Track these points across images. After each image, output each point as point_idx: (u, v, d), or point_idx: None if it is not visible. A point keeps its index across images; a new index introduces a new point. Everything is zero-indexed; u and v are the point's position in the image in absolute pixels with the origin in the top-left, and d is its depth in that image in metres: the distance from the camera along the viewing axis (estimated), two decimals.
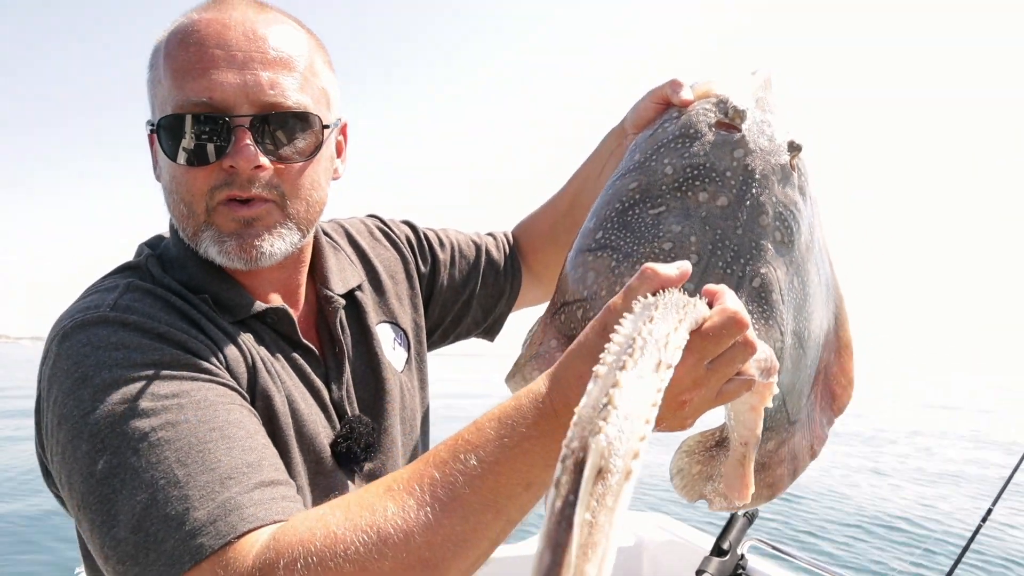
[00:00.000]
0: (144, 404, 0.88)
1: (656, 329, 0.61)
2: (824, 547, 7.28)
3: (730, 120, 1.06)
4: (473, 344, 1.63)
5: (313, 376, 1.15)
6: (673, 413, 0.78)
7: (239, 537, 0.81)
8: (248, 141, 1.00)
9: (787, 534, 7.54)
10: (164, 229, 1.20)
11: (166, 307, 1.02)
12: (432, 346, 1.47)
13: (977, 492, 10.58)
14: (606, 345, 0.59)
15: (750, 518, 2.65)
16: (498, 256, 1.55)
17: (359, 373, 1.23)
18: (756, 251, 1.02)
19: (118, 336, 0.94)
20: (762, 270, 1.01)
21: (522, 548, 2.90)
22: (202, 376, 0.95)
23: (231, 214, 1.04)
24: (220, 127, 1.00)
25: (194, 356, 0.97)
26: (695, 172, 1.04)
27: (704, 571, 2.53)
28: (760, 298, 1.00)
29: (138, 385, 0.90)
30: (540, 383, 0.78)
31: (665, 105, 1.17)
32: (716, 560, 2.55)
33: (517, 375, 1.10)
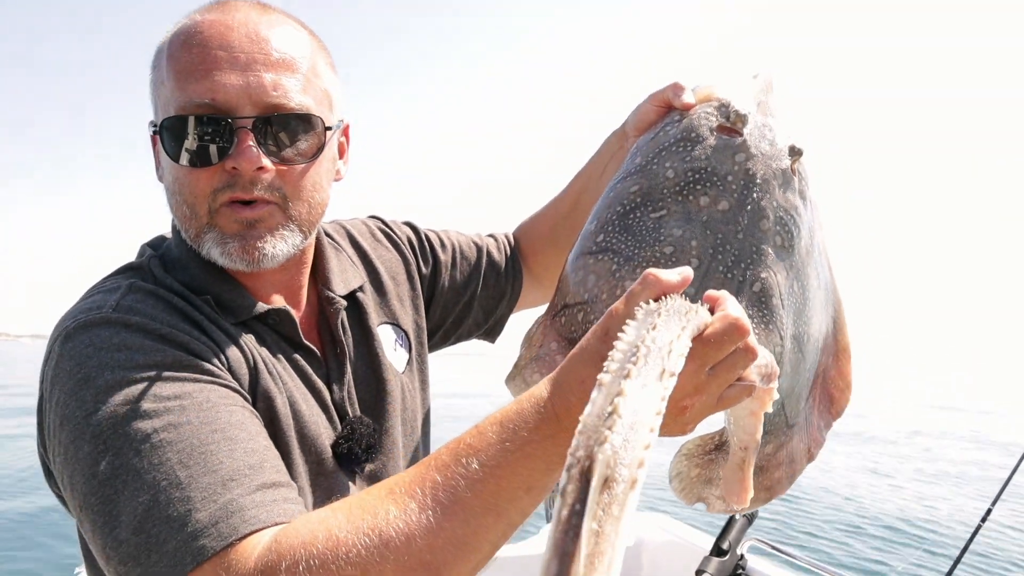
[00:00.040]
0: (146, 405, 0.89)
1: (659, 336, 0.61)
2: (824, 547, 7.29)
3: (732, 124, 1.06)
4: (472, 344, 1.64)
5: (314, 377, 1.15)
6: (674, 418, 0.78)
7: (241, 539, 0.81)
8: (251, 142, 1.00)
9: (787, 534, 7.55)
10: (165, 228, 1.20)
11: (168, 308, 1.03)
12: (433, 347, 1.48)
13: (977, 492, 10.58)
14: (610, 352, 0.60)
15: (750, 518, 2.66)
16: (499, 258, 1.55)
17: (360, 374, 1.24)
18: (757, 255, 1.02)
19: (120, 337, 0.95)
20: (762, 274, 1.02)
21: (522, 548, 2.91)
22: (204, 378, 0.95)
23: (234, 215, 1.04)
24: (223, 128, 1.01)
25: (196, 357, 0.97)
26: (696, 176, 1.04)
27: (704, 571, 2.54)
28: (760, 303, 1.01)
29: (140, 386, 0.90)
30: (542, 387, 0.78)
31: (667, 108, 1.17)
32: (716, 560, 2.56)
33: (517, 377, 1.10)
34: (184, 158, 1.02)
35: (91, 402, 0.89)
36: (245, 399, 1.00)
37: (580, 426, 0.50)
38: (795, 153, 1.07)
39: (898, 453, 14.53)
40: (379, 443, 1.21)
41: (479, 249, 1.54)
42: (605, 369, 0.57)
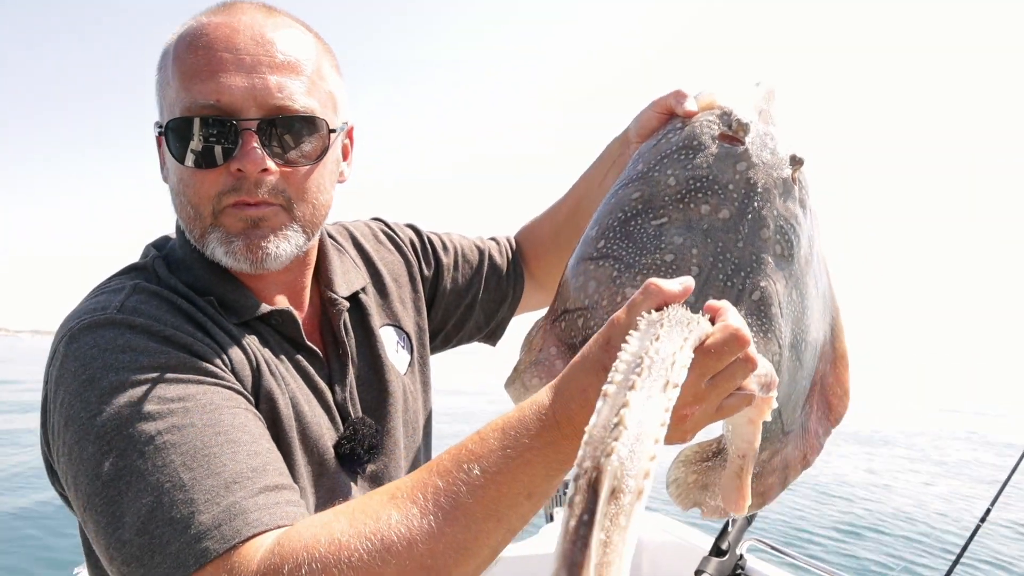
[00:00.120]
0: (150, 407, 0.89)
1: (662, 348, 0.62)
2: (823, 547, 7.30)
3: (733, 133, 1.07)
4: (471, 344, 1.64)
5: (317, 378, 1.15)
6: (674, 427, 0.79)
7: (244, 541, 0.82)
8: (255, 144, 1.01)
9: (786, 534, 7.56)
10: (164, 225, 1.21)
11: (172, 309, 1.03)
12: (434, 350, 1.48)
13: (976, 493, 10.60)
14: (614, 363, 0.60)
15: (748, 519, 2.67)
16: (501, 261, 1.55)
17: (363, 375, 1.24)
18: (756, 264, 1.03)
19: (125, 339, 0.95)
20: (762, 283, 1.02)
21: (522, 548, 2.92)
22: (208, 379, 0.95)
23: (238, 213, 1.04)
24: (228, 130, 1.01)
25: (200, 359, 0.97)
26: (698, 184, 1.05)
27: (703, 571, 2.55)
28: (759, 311, 1.01)
29: (144, 388, 0.90)
30: (543, 395, 0.79)
31: (669, 115, 1.17)
32: (715, 560, 2.57)
33: (516, 381, 1.11)
34: (189, 159, 1.02)
35: (95, 403, 0.90)
36: (248, 401, 1.00)
37: (586, 437, 0.50)
38: (796, 162, 1.08)
39: (897, 453, 14.54)
40: (381, 444, 1.21)
41: (481, 252, 1.54)
42: (609, 380, 0.58)
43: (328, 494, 1.11)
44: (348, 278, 1.28)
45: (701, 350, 0.73)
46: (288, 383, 1.10)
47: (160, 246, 1.18)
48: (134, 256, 1.19)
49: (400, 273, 1.42)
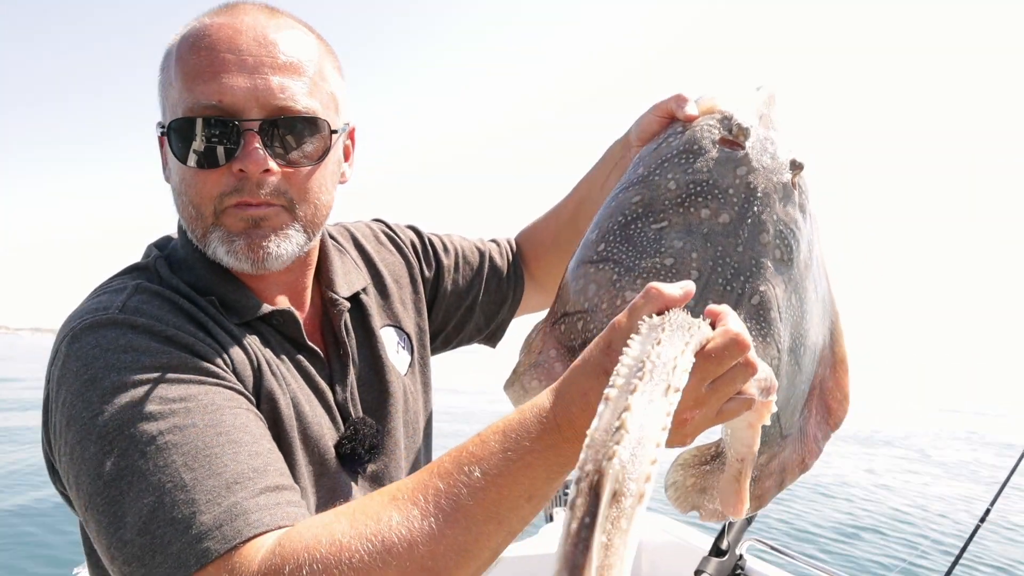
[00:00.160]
0: (152, 407, 0.89)
1: (664, 352, 0.62)
2: (822, 547, 7.30)
3: (734, 137, 1.07)
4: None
5: (318, 378, 1.16)
6: (674, 430, 0.79)
7: (245, 542, 0.82)
8: (257, 144, 1.01)
9: (785, 534, 7.56)
10: (164, 225, 1.21)
11: (174, 309, 1.03)
12: (434, 351, 1.48)
13: (975, 493, 10.60)
14: (616, 367, 0.61)
15: (748, 519, 2.67)
16: (501, 263, 1.56)
17: (363, 376, 1.25)
18: (756, 269, 1.03)
19: (127, 339, 0.95)
20: (761, 288, 1.02)
21: (521, 549, 2.92)
22: (209, 380, 0.96)
23: (240, 213, 1.05)
24: (230, 130, 1.01)
25: (201, 359, 0.98)
26: (698, 188, 1.05)
27: (703, 571, 2.55)
28: (759, 315, 1.02)
29: (146, 388, 0.91)
30: (544, 398, 0.80)
31: (670, 119, 1.17)
32: (715, 560, 2.57)
33: (516, 383, 1.11)
34: (192, 159, 1.03)
35: (97, 403, 0.90)
36: (249, 401, 1.00)
37: (588, 440, 0.51)
38: (796, 167, 1.08)
39: (896, 454, 14.55)
40: (381, 444, 1.22)
41: (481, 254, 1.55)
42: (611, 384, 0.58)
43: (329, 494, 1.11)
44: (349, 279, 1.29)
45: (702, 354, 0.73)
46: (289, 383, 1.10)
47: (162, 246, 1.18)
48: (136, 251, 1.20)
49: (401, 274, 1.42)
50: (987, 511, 2.91)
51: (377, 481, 1.20)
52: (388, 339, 1.32)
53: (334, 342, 1.23)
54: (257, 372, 1.05)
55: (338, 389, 1.19)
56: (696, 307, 0.81)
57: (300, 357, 1.15)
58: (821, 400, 1.17)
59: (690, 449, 1.12)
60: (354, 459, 1.16)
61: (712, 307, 0.80)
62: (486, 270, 1.53)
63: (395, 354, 1.32)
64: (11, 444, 11.55)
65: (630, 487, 0.46)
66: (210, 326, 1.04)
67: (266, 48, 1.03)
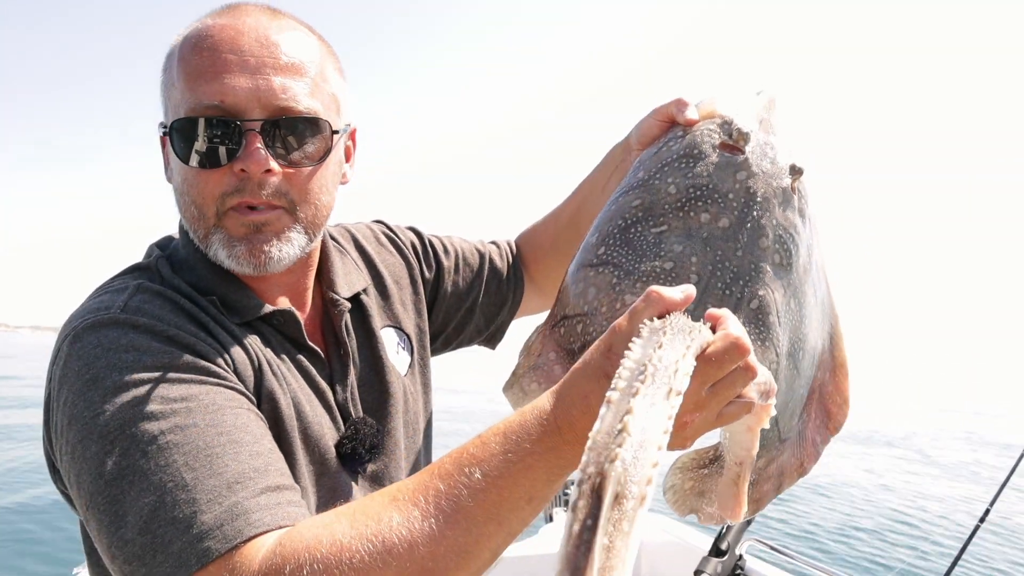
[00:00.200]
0: (153, 407, 0.90)
1: (665, 355, 0.63)
2: (822, 547, 7.31)
3: (734, 142, 1.07)
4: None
5: (318, 378, 1.16)
6: (675, 434, 0.79)
7: (246, 541, 0.82)
8: (259, 145, 1.02)
9: (785, 534, 7.56)
10: (163, 225, 1.22)
11: (175, 309, 1.04)
12: (434, 352, 1.49)
13: (975, 493, 10.60)
14: (618, 370, 0.61)
15: (748, 520, 2.68)
16: (501, 265, 1.56)
17: (364, 376, 1.25)
18: (755, 273, 1.03)
19: (128, 338, 0.96)
20: (760, 292, 1.03)
21: (521, 549, 2.93)
22: (211, 380, 0.96)
23: (241, 219, 1.05)
24: (232, 131, 1.02)
25: (203, 359, 0.98)
26: (698, 192, 1.06)
27: (702, 571, 2.55)
28: (757, 320, 1.02)
29: (148, 388, 0.91)
30: (545, 400, 0.80)
31: (670, 123, 1.18)
32: (714, 560, 2.58)
33: (515, 385, 1.11)
34: (194, 159, 1.03)
35: (99, 402, 0.90)
36: (250, 401, 1.01)
37: (590, 443, 0.51)
38: (796, 172, 1.08)
39: (896, 454, 14.55)
40: (382, 444, 1.22)
41: (482, 256, 1.55)
42: (613, 387, 0.58)
43: (329, 493, 1.12)
44: (350, 279, 1.29)
45: (702, 358, 0.74)
46: (290, 383, 1.10)
47: (163, 246, 1.19)
48: (136, 251, 1.20)
49: (401, 275, 1.43)
50: (986, 511, 2.91)
51: (377, 481, 1.20)
52: (388, 340, 1.32)
53: (335, 342, 1.23)
54: (258, 372, 1.06)
55: (338, 389, 1.19)
56: (695, 311, 0.81)
57: (301, 357, 1.15)
58: (821, 404, 1.17)
59: (689, 453, 1.12)
60: (354, 459, 1.16)
61: (712, 311, 0.80)
62: (486, 272, 1.54)
63: (395, 355, 1.32)
64: (10, 442, 11.54)
65: (632, 489, 0.47)
66: (211, 326, 1.05)
67: (268, 49, 1.03)
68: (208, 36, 1.03)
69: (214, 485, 0.85)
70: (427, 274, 1.47)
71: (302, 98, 1.05)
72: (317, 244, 1.20)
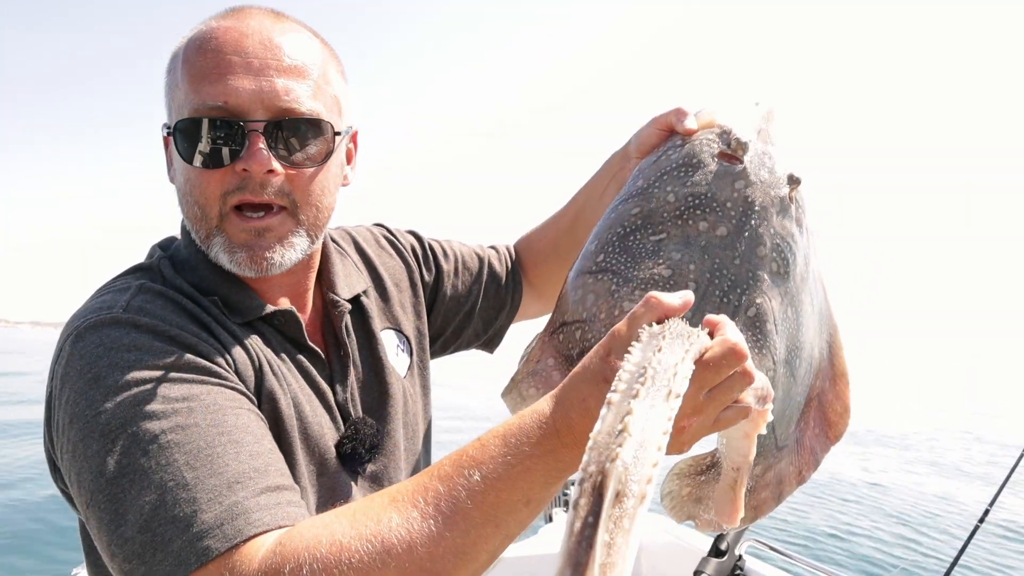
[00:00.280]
0: (155, 406, 0.90)
1: (665, 359, 0.64)
2: (822, 547, 7.30)
3: (732, 151, 1.08)
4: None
5: (318, 378, 1.17)
6: (673, 438, 0.78)
7: (246, 541, 0.83)
8: (261, 145, 1.02)
9: (785, 534, 7.55)
10: (162, 224, 1.23)
11: (177, 309, 1.04)
12: (433, 355, 1.49)
13: (975, 493, 10.59)
14: (618, 373, 0.62)
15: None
16: (500, 269, 1.57)
17: (363, 377, 1.26)
18: (753, 281, 1.04)
19: (131, 338, 0.96)
20: (758, 300, 1.03)
21: (521, 549, 2.94)
22: (212, 380, 0.97)
23: (242, 224, 1.06)
24: (235, 131, 1.02)
25: (204, 359, 0.98)
26: (696, 201, 1.06)
27: (702, 572, 2.55)
28: (755, 327, 1.03)
29: (149, 387, 0.92)
30: (544, 404, 0.81)
31: (669, 132, 1.19)
32: (714, 561, 2.58)
33: (513, 391, 1.12)
34: (197, 160, 1.04)
35: (101, 401, 0.91)
36: (251, 401, 1.01)
37: (591, 443, 0.52)
38: (793, 182, 1.09)
39: (895, 454, 14.51)
40: (381, 444, 1.23)
41: (481, 260, 1.56)
42: (613, 389, 0.59)
43: (329, 493, 1.12)
44: (350, 281, 1.30)
45: (700, 363, 0.75)
46: (290, 383, 1.11)
47: (165, 247, 1.19)
48: (135, 251, 1.21)
49: (401, 278, 1.44)
50: (986, 511, 2.92)
51: (376, 481, 1.21)
52: (388, 342, 1.33)
53: (335, 343, 1.24)
54: (258, 372, 1.06)
55: (338, 389, 1.20)
56: (694, 318, 0.82)
57: (301, 357, 1.16)
58: (820, 413, 1.17)
59: (686, 459, 1.13)
60: (354, 459, 1.17)
61: (710, 317, 0.81)
62: (485, 276, 1.55)
63: (395, 356, 1.33)
64: (9, 439, 11.49)
65: (632, 488, 0.48)
66: (212, 326, 1.05)
67: (271, 51, 1.04)
68: (212, 38, 1.04)
69: (214, 484, 0.86)
70: (427, 277, 1.48)
71: (305, 100, 1.06)
72: (318, 246, 1.21)
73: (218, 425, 0.91)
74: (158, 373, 0.93)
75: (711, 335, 0.78)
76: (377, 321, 1.32)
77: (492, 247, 1.62)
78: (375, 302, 1.35)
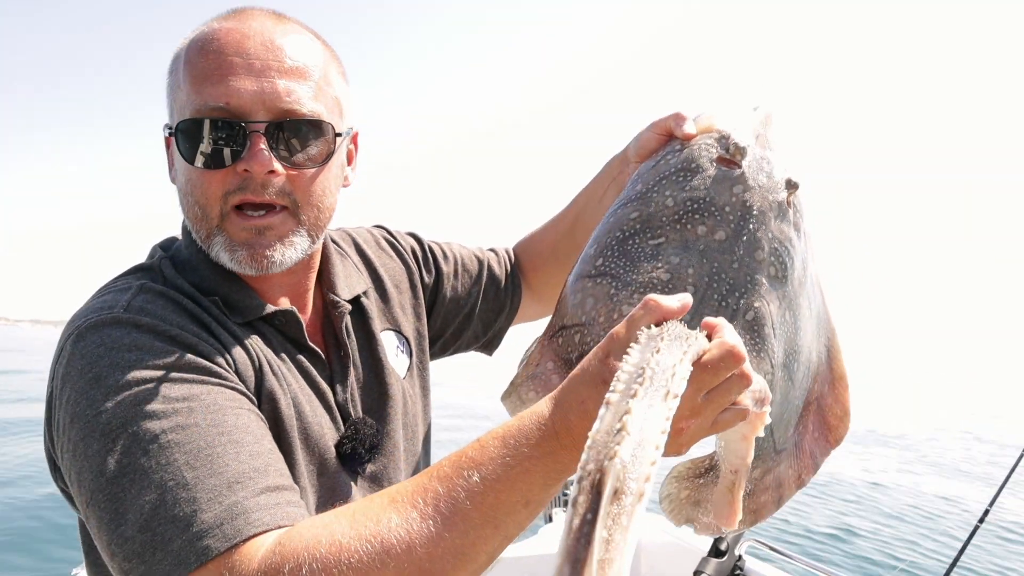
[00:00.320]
0: (155, 406, 0.90)
1: (663, 360, 0.64)
2: (821, 547, 7.30)
3: (731, 156, 1.09)
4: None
5: (318, 378, 1.17)
6: (671, 440, 0.79)
7: (245, 541, 0.83)
8: (263, 146, 1.03)
9: (785, 534, 7.55)
10: (162, 224, 1.23)
11: (178, 309, 1.04)
12: (432, 357, 1.50)
13: (974, 493, 10.59)
14: (617, 373, 0.63)
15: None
16: (499, 272, 1.58)
17: (363, 377, 1.26)
18: (751, 285, 1.04)
19: (131, 338, 0.96)
20: (756, 304, 1.04)
21: (521, 549, 2.95)
22: (212, 380, 0.97)
23: (243, 223, 1.06)
24: (236, 132, 1.03)
25: (204, 359, 0.99)
26: (695, 205, 1.07)
27: (702, 572, 2.55)
28: (753, 331, 1.03)
29: (150, 387, 0.92)
30: (543, 406, 0.81)
31: (668, 137, 1.19)
32: (714, 561, 2.58)
33: (513, 394, 1.12)
34: (199, 160, 1.04)
35: (101, 401, 0.91)
36: (251, 401, 1.02)
37: (589, 441, 0.52)
38: (791, 186, 1.09)
39: (894, 454, 14.51)
40: (381, 444, 1.23)
41: (480, 263, 1.57)
42: (612, 389, 0.60)
43: (328, 493, 1.12)
44: (350, 281, 1.30)
45: (698, 365, 0.75)
46: (290, 383, 1.11)
47: (166, 247, 1.20)
48: (135, 250, 1.21)
49: (401, 279, 1.44)
50: (986, 511, 2.92)
51: (376, 482, 1.21)
52: (388, 342, 1.33)
53: (335, 343, 1.24)
54: (259, 372, 1.07)
55: (339, 389, 1.20)
56: (692, 322, 0.82)
57: (301, 357, 1.16)
58: (819, 416, 1.17)
59: (684, 462, 1.13)
60: (354, 459, 1.17)
61: (708, 320, 0.81)
62: (484, 278, 1.55)
63: (395, 357, 1.33)
64: (9, 437, 11.47)
65: (631, 486, 0.48)
66: (213, 326, 1.06)
67: (273, 52, 1.05)
68: (214, 39, 1.05)
69: (214, 484, 0.86)
70: (426, 279, 1.49)
71: (306, 101, 1.06)
72: (319, 247, 1.21)
73: (218, 425, 0.92)
74: (159, 373, 0.94)
75: (709, 337, 0.79)
76: (377, 322, 1.33)
77: (492, 250, 1.63)
78: (375, 303, 1.36)
